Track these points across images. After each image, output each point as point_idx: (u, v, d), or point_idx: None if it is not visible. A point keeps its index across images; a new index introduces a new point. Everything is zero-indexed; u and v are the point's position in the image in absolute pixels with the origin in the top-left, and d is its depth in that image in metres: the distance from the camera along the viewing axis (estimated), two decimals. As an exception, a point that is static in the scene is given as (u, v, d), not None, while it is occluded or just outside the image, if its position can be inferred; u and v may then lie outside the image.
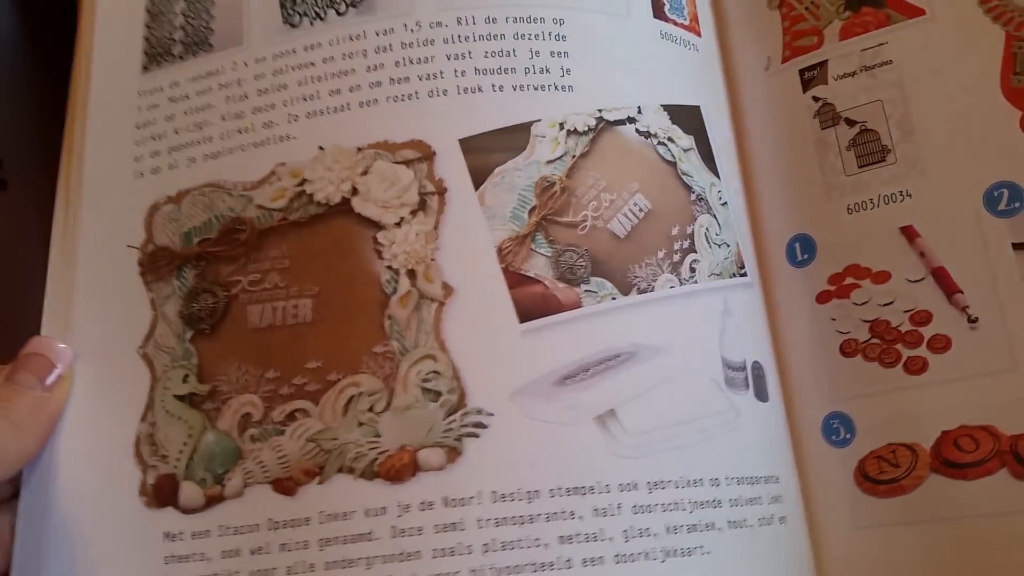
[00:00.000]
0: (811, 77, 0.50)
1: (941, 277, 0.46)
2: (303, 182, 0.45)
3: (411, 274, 0.43)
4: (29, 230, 0.63)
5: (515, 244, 0.43)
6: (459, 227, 0.43)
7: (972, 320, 0.45)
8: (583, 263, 0.44)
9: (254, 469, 0.42)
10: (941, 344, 0.46)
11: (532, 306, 0.43)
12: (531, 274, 0.43)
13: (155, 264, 0.46)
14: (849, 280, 0.48)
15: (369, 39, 0.46)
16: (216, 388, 0.43)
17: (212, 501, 0.42)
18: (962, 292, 0.46)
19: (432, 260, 0.43)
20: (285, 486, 0.41)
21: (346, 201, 0.44)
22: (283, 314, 0.43)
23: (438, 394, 0.41)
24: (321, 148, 0.45)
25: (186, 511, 0.42)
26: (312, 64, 0.46)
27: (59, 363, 0.45)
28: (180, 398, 0.44)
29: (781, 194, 0.50)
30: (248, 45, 0.48)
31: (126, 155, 0.48)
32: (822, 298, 0.48)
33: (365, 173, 0.44)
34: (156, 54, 0.49)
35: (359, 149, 0.45)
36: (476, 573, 0.39)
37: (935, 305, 0.46)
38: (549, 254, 0.44)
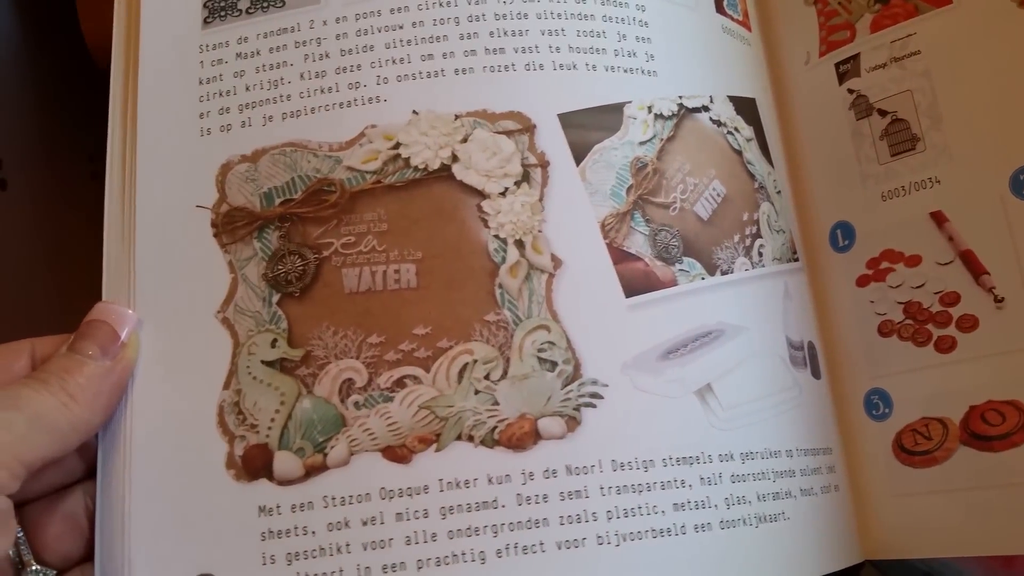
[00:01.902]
0: (846, 70, 0.53)
1: (969, 259, 0.48)
2: (397, 145, 0.44)
3: (519, 244, 0.43)
4: (29, 230, 0.60)
5: (617, 221, 0.44)
6: (563, 201, 0.44)
7: (998, 300, 0.48)
8: (676, 243, 0.45)
9: (360, 437, 0.41)
10: (969, 324, 0.48)
11: (635, 282, 0.44)
12: (632, 251, 0.44)
13: (231, 225, 0.44)
14: (885, 264, 0.51)
15: (461, 7, 0.46)
16: (310, 353, 0.42)
17: (313, 471, 0.41)
18: (989, 273, 0.48)
19: (539, 232, 0.43)
20: (398, 454, 0.41)
21: (446, 168, 0.44)
22: (384, 278, 0.43)
23: (554, 364, 0.42)
24: (415, 112, 0.44)
25: (282, 483, 0.41)
26: (400, 27, 0.45)
27: (122, 329, 0.42)
28: (269, 364, 0.42)
29: (823, 183, 0.53)
30: (326, 4, 0.46)
31: (189, 112, 0.46)
32: (861, 281, 0.51)
33: (465, 141, 0.44)
34: (219, 8, 0.47)
35: (456, 116, 0.44)
36: (601, 539, 0.40)
37: (963, 286, 0.48)
38: (647, 232, 0.45)
